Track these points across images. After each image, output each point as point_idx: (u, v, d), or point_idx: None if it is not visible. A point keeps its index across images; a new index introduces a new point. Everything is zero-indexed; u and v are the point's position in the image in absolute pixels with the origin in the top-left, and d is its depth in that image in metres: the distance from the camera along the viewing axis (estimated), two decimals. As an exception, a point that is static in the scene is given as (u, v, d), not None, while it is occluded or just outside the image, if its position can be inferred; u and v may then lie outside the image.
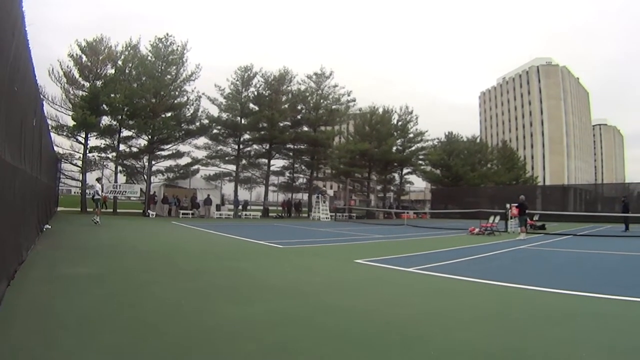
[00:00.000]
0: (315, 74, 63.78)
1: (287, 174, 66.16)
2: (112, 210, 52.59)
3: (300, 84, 63.80)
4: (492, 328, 7.44)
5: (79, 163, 51.80)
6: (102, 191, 28.30)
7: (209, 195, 54.22)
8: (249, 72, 60.75)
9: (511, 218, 33.26)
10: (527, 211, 29.66)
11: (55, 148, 42.82)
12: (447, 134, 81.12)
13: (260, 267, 14.35)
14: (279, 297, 9.62)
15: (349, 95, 64.25)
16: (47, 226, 24.90)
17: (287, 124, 62.43)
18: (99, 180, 29.60)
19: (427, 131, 69.86)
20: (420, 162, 72.73)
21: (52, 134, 39.50)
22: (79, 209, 49.46)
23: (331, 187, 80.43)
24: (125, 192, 52.45)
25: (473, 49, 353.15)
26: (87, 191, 35.99)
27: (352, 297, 9.71)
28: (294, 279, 12.06)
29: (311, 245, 21.76)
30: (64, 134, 50.72)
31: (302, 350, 6.06)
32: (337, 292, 10.38)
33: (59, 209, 45.25)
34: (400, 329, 7.25)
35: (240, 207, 57.76)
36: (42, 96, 25.27)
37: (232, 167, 60.96)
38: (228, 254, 18.01)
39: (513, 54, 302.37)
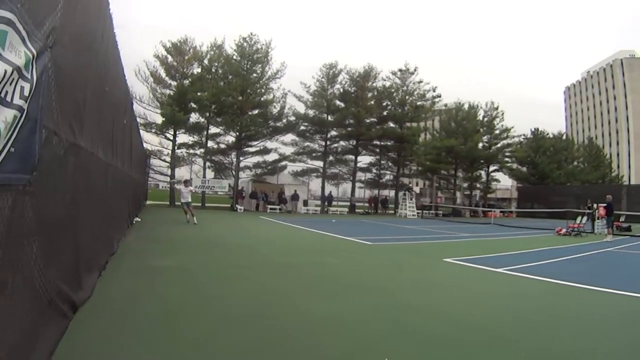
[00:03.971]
0: (400, 70, 62.64)
1: (373, 170, 65.71)
2: (200, 204, 53.09)
3: (385, 81, 62.99)
4: (574, 330, 7.55)
5: (168, 159, 52.80)
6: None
7: (296, 190, 54.37)
8: (334, 69, 60.63)
9: (598, 219, 32.26)
10: (613, 212, 28.85)
11: (145, 145, 43.72)
12: (533, 130, 78.97)
13: (348, 263, 14.44)
14: (366, 294, 9.68)
15: (434, 91, 63.12)
16: (137, 219, 25.39)
17: (373, 121, 61.87)
18: (185, 182, 29.38)
19: (512, 127, 68.02)
20: (506, 159, 71.11)
21: (141, 131, 40.27)
22: (167, 203, 50.59)
23: (417, 184, 79.74)
24: (214, 187, 53.40)
25: (557, 42, 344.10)
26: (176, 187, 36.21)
27: (439, 297, 9.76)
28: (381, 277, 12.03)
29: (399, 243, 21.81)
30: (153, 131, 52.08)
31: (387, 349, 6.12)
32: (424, 291, 10.44)
33: (148, 202, 46.12)
34: (487, 330, 7.40)
35: (326, 202, 57.59)
36: (131, 95, 25.96)
37: (319, 164, 61.17)
38: (315, 250, 18.17)
39: (599, 45, 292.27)
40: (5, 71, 3.19)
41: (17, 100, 3.55)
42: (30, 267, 4.63)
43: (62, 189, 6.08)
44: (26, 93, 3.73)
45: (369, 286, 10.43)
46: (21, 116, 3.67)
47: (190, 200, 28.62)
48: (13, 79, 3.39)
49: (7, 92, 3.32)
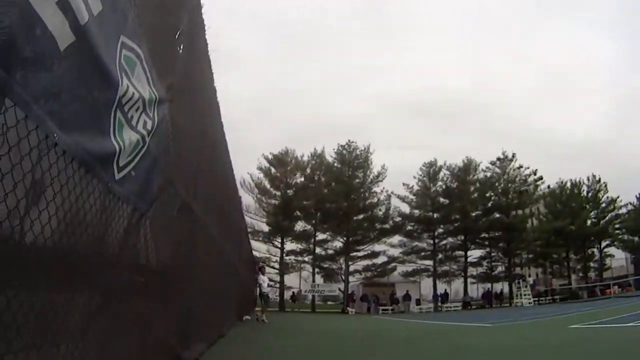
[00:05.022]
0: (499, 158, 62.04)
1: (484, 264, 64.11)
2: (310, 309, 53.45)
3: (485, 172, 62.99)
4: None
5: (277, 265, 53.88)
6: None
7: (407, 291, 53.52)
8: (434, 167, 61.32)
9: None
10: None
11: (254, 252, 44.75)
12: (638, 196, 75.82)
13: (476, 342, 13.93)
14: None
15: (534, 174, 61.79)
16: (247, 317, 25.66)
17: (478, 213, 61.39)
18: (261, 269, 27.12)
19: (618, 197, 65.38)
20: (617, 231, 66.73)
21: (250, 240, 41.50)
22: (277, 309, 50.86)
23: (529, 275, 77.32)
24: (324, 291, 53.85)
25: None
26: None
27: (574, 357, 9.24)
28: (509, 348, 11.64)
29: (520, 322, 21.28)
30: (260, 239, 53.57)
31: None
32: (555, 354, 9.82)
33: (257, 309, 46.97)
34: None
35: (440, 301, 56.37)
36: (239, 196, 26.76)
37: (429, 262, 60.61)
38: (437, 334, 18.12)
39: None
40: (134, 94, 3.67)
41: (141, 129, 4.03)
42: (137, 305, 4.92)
43: (174, 241, 6.54)
44: (148, 127, 4.20)
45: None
46: (143, 145, 4.14)
47: (267, 291, 25.79)
48: (138, 107, 3.88)
49: (132, 116, 3.82)
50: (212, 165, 9.68)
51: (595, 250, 66.72)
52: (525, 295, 52.39)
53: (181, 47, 5.94)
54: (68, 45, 2.54)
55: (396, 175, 62.87)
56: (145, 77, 4.11)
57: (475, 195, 61.61)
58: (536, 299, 53.52)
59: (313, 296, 55.18)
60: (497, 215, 62.12)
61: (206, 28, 7.64)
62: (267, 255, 54.95)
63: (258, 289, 26.00)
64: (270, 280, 39.32)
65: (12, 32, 2.03)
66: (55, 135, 2.57)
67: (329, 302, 57.12)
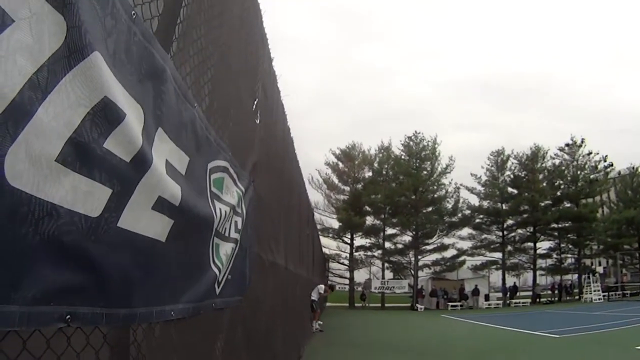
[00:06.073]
0: (567, 144, 60.70)
1: (554, 255, 62.54)
2: (380, 305, 53.50)
3: (553, 159, 61.45)
4: None
5: (346, 262, 54.27)
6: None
7: (476, 285, 52.92)
8: (502, 156, 60.38)
9: None
10: None
11: (323, 249, 44.95)
12: None
13: None
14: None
15: (604, 161, 59.78)
16: (319, 324, 25.74)
17: (548, 203, 59.75)
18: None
19: None
20: None
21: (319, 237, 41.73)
22: (347, 304, 51.42)
23: (600, 264, 75.79)
24: (393, 287, 53.63)
25: None
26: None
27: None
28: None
29: (586, 333, 20.72)
30: (330, 235, 53.90)
31: None
32: None
33: (327, 304, 47.11)
34: None
35: (508, 294, 55.50)
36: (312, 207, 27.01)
37: (498, 255, 60.03)
38: (503, 347, 17.78)
39: None
40: (226, 212, 3.75)
41: (233, 234, 4.12)
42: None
43: (263, 302, 6.62)
44: (239, 226, 4.31)
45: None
46: (236, 247, 4.23)
47: (315, 298, 23.45)
48: (230, 217, 3.97)
49: (226, 228, 3.90)
50: (289, 204, 9.73)
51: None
52: (594, 291, 51.26)
53: (258, 116, 5.90)
54: (169, 233, 2.43)
55: (462, 157, 62.12)
56: (232, 180, 4.14)
57: (544, 184, 60.33)
58: (605, 293, 52.25)
59: (382, 292, 54.34)
60: (567, 205, 60.61)
61: (278, 76, 7.60)
62: (337, 252, 56.49)
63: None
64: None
65: (127, 275, 1.96)
66: (172, 313, 2.63)
67: (396, 292, 56.90)
